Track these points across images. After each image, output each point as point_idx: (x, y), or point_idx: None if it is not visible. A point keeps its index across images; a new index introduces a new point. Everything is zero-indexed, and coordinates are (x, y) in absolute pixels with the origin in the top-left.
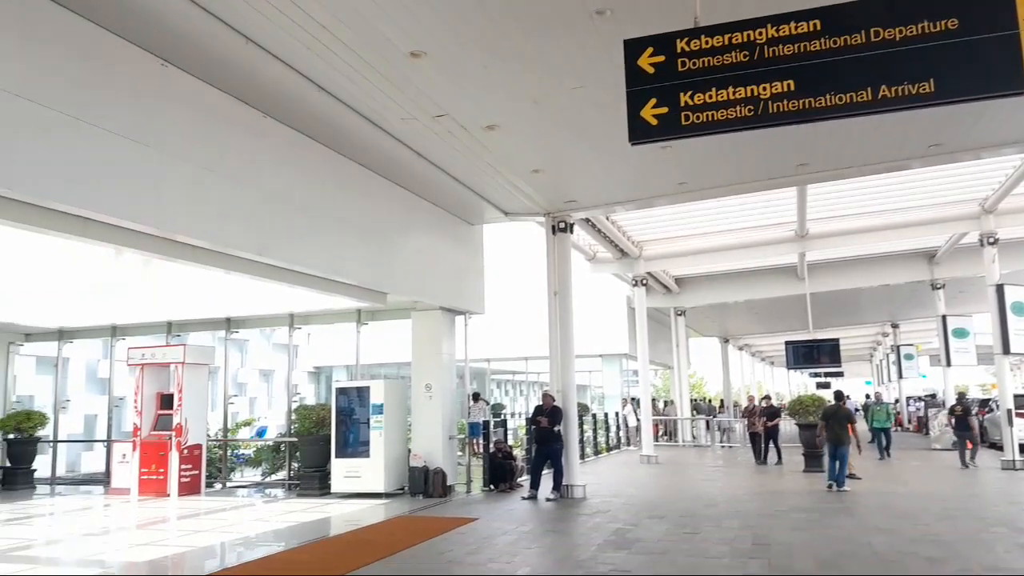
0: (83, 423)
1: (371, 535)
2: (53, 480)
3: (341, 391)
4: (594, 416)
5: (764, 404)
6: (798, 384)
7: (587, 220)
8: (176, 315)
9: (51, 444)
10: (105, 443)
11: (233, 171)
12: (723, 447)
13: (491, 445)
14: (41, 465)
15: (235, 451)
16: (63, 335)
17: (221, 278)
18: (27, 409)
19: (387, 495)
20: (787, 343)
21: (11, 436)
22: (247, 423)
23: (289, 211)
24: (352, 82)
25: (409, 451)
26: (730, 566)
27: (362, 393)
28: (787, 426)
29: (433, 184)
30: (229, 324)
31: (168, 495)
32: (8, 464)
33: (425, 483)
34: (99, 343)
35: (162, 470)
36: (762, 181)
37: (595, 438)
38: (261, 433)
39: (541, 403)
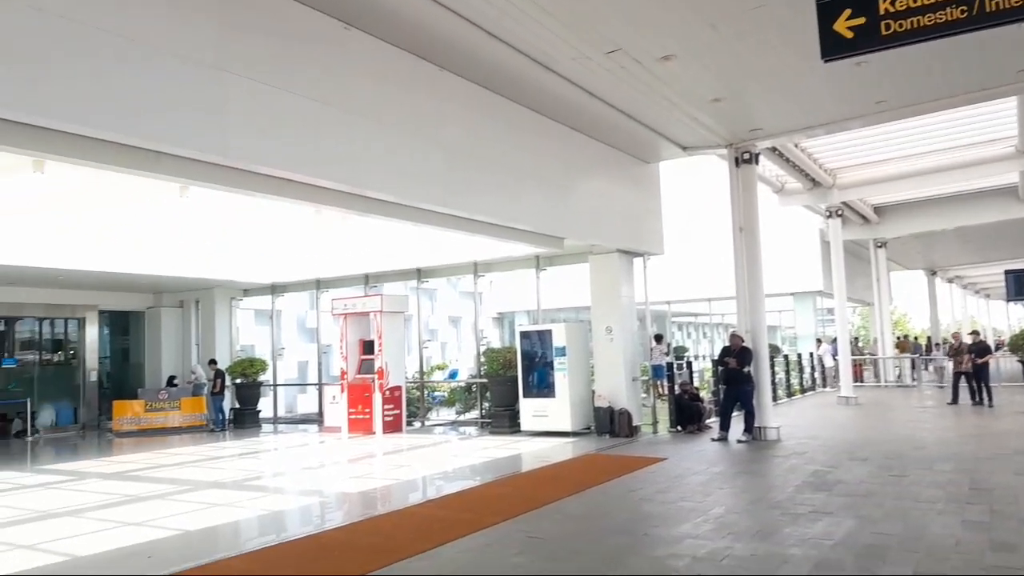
0: (296, 368)
1: (561, 471)
2: (275, 419)
3: (524, 335)
4: (786, 357)
5: (972, 340)
6: (1020, 318)
7: (773, 149)
8: (372, 267)
9: (271, 387)
10: (317, 386)
11: (417, 127)
12: (933, 387)
13: (677, 386)
14: (264, 406)
15: (431, 392)
16: (275, 289)
17: (410, 230)
18: (250, 357)
19: (573, 434)
20: (1007, 272)
21: (238, 381)
22: (440, 367)
23: (469, 162)
24: (520, 25)
25: (593, 392)
26: (945, 511)
27: (544, 336)
28: (1008, 364)
29: (606, 124)
30: (419, 274)
31: (374, 433)
32: (237, 405)
33: (611, 423)
34: (306, 296)
35: (367, 410)
36: (974, 93)
37: (787, 380)
38: (453, 375)
39: (729, 344)
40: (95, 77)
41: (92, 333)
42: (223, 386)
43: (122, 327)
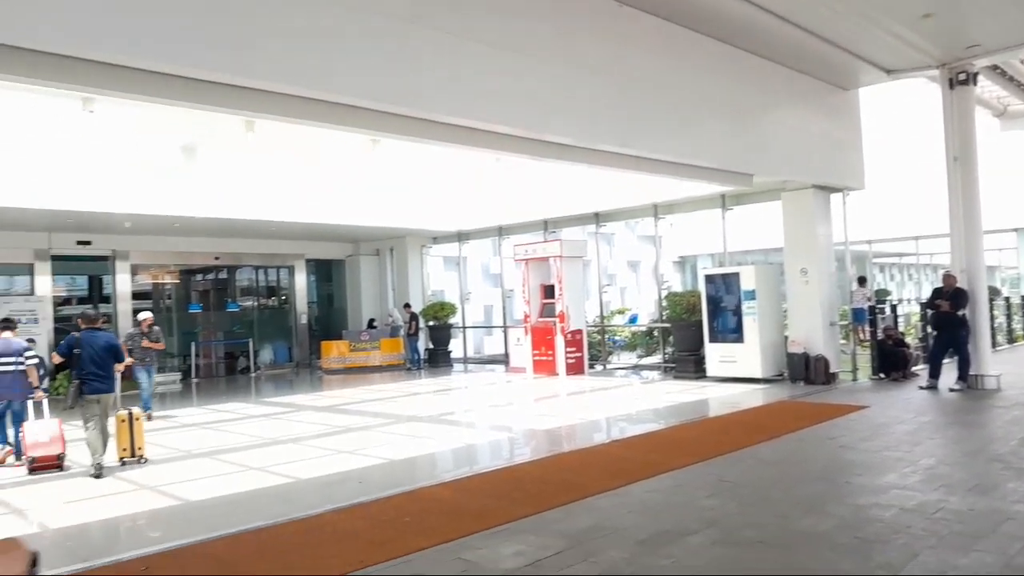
0: (482, 312)
1: (752, 417)
2: (465, 360)
3: (709, 278)
4: (1007, 300)
5: None
6: None
7: (994, 68)
8: (550, 213)
9: (460, 330)
10: (502, 329)
11: (596, 66)
12: None
13: (880, 331)
14: (454, 347)
15: (611, 336)
16: (461, 237)
17: (588, 174)
18: (440, 301)
19: (764, 380)
20: None
21: (431, 323)
22: (620, 311)
23: (648, 99)
24: None
25: (786, 337)
26: None
27: (731, 280)
28: None
29: (799, 50)
30: (597, 218)
31: (557, 374)
32: (431, 346)
33: (805, 369)
34: (488, 242)
35: (550, 352)
36: None
37: (1009, 325)
38: (633, 320)
39: (941, 285)
40: (294, 38)
41: (301, 280)
42: (417, 328)
43: (326, 274)
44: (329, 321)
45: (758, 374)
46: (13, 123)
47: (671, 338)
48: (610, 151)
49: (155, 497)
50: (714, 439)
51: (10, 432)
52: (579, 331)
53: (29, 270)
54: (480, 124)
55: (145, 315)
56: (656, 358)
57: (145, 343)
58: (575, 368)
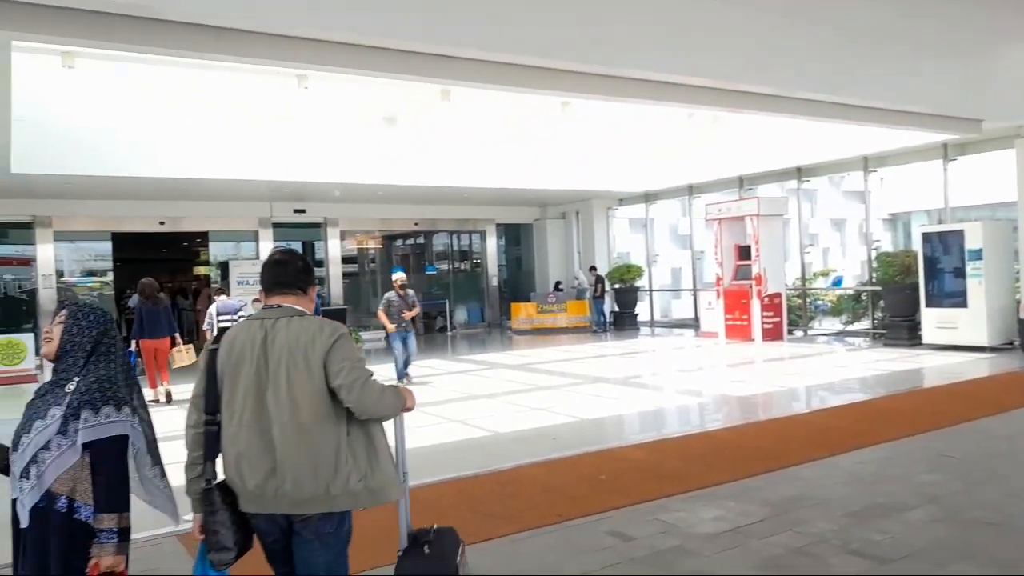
0: (670, 275)
1: (976, 388)
2: (652, 323)
3: (927, 237)
4: None
5: None
6: None
7: None
8: (746, 169)
9: (647, 292)
10: (691, 292)
11: (797, 6)
12: None
13: None
14: (640, 310)
15: (813, 300)
16: (648, 197)
17: (788, 126)
18: (626, 263)
19: (990, 349)
20: None
21: (616, 286)
22: (823, 273)
23: (858, 41)
24: None
25: (1018, 302)
26: None
27: (953, 238)
28: None
29: None
30: (799, 173)
31: (752, 340)
32: (617, 309)
33: None
34: (677, 202)
35: (744, 316)
36: None
37: None
38: (837, 283)
39: None
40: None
41: (491, 244)
42: (603, 290)
43: (515, 238)
44: (518, 283)
45: (983, 342)
46: (239, 103)
47: (881, 302)
48: (815, 99)
49: None
50: (932, 411)
51: None
52: (777, 294)
53: (254, 236)
54: (672, 77)
55: (398, 274)
56: (864, 324)
57: (406, 314)
58: (772, 334)
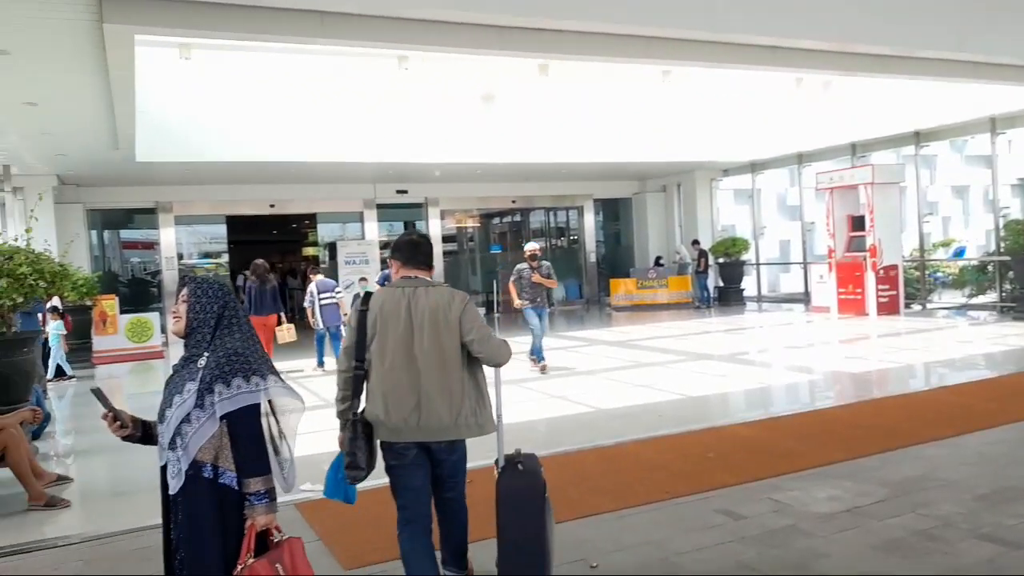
0: (778, 247)
1: None
2: (759, 298)
3: None
4: None
5: None
6: None
7: None
8: (859, 135)
9: (754, 266)
10: (801, 265)
11: None
12: None
13: None
14: (747, 285)
15: (933, 272)
16: (754, 167)
17: (905, 88)
18: (731, 236)
19: None
20: None
21: (721, 260)
22: (944, 243)
23: None
24: None
25: None
26: None
27: None
28: None
29: None
30: (917, 138)
31: (866, 314)
32: (721, 283)
33: None
34: (785, 172)
35: (858, 290)
36: None
37: None
38: (960, 253)
39: None
40: None
41: (589, 220)
42: (707, 265)
43: (612, 213)
44: (616, 259)
45: None
46: (342, 87)
47: (1010, 274)
48: (938, 58)
49: None
50: None
51: (330, 351)
52: (893, 267)
53: (359, 217)
54: (782, 41)
55: (531, 245)
56: (990, 297)
57: (535, 278)
58: (888, 308)
